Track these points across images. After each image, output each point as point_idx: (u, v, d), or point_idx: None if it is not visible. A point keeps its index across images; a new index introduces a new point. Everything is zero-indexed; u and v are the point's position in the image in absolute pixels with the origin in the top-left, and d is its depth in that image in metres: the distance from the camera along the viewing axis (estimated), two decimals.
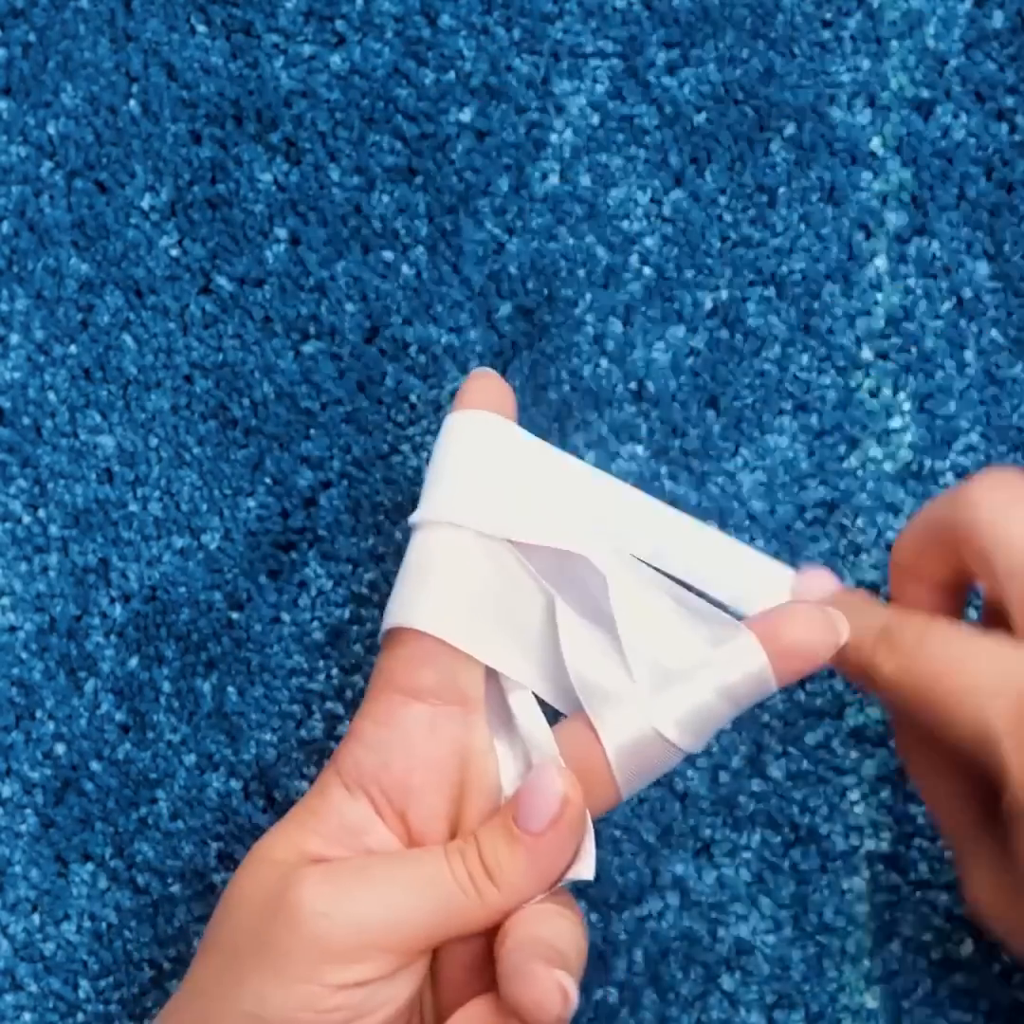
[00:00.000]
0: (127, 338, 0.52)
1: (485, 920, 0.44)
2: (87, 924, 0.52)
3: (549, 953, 0.43)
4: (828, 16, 0.51)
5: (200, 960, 0.45)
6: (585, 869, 0.44)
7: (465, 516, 0.45)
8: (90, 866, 0.52)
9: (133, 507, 0.52)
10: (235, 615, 0.52)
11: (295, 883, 0.43)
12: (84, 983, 0.52)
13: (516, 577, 0.46)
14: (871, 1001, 0.50)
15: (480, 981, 0.45)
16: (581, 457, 0.51)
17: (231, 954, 0.43)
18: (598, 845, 0.51)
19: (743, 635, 0.44)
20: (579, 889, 0.51)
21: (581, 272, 0.51)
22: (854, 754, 0.51)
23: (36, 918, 0.52)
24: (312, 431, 0.52)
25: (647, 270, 0.51)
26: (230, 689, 0.52)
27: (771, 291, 0.51)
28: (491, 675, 0.46)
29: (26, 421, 0.52)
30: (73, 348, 0.52)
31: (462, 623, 0.45)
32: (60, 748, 0.52)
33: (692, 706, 0.44)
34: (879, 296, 0.51)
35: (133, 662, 0.52)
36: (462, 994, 0.45)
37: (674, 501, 0.49)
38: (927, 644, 0.43)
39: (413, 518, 0.46)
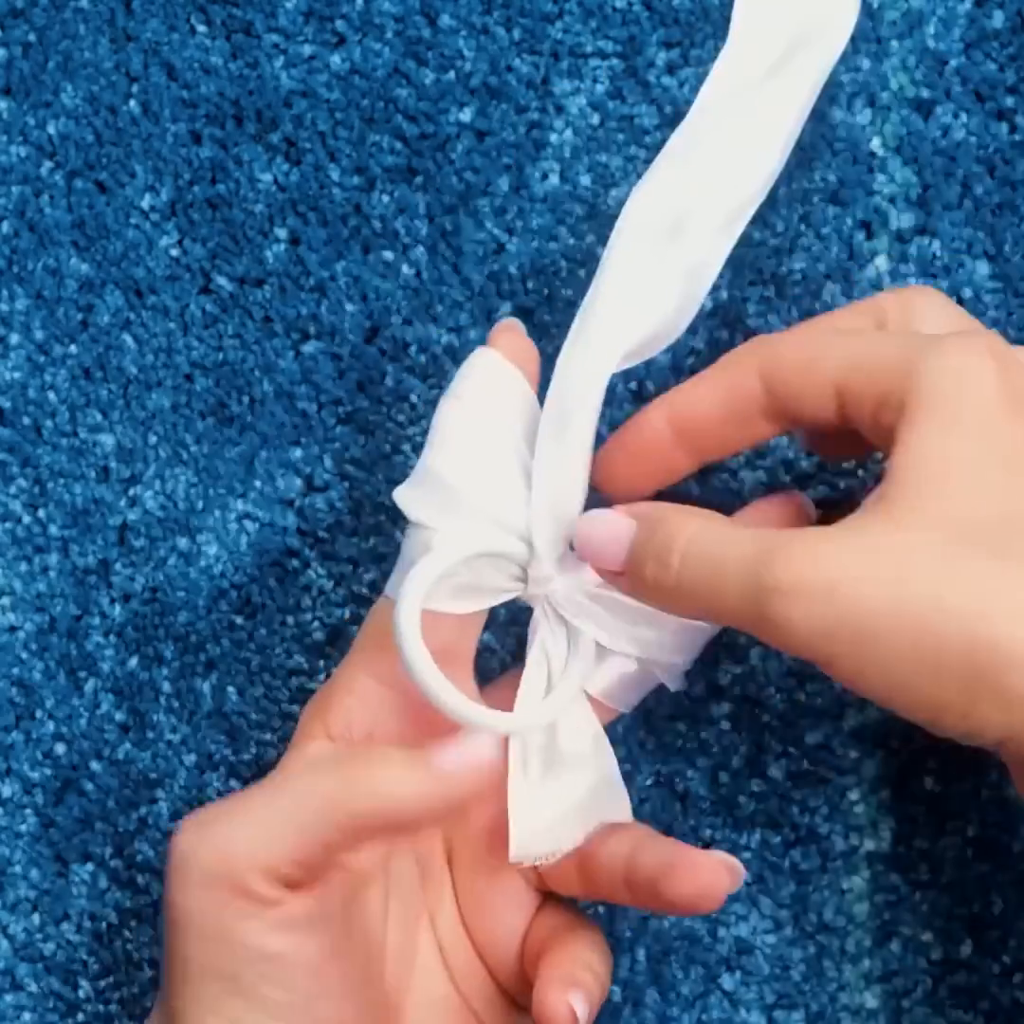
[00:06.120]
0: (127, 338, 0.52)
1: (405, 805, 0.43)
2: (87, 924, 0.52)
3: (577, 975, 0.43)
4: None
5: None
6: (622, 811, 0.44)
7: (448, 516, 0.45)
8: (90, 866, 0.52)
9: (133, 508, 0.52)
10: (236, 617, 0.52)
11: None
12: (84, 983, 0.52)
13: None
14: (871, 1001, 0.50)
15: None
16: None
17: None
18: None
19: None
20: None
21: (581, 272, 0.51)
22: (854, 754, 0.51)
23: (36, 918, 0.52)
24: (312, 431, 0.52)
25: None
26: (230, 689, 0.52)
27: (771, 291, 0.51)
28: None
29: (26, 421, 0.52)
30: (73, 348, 0.52)
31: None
32: (60, 748, 0.52)
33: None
34: None
35: (133, 662, 0.52)
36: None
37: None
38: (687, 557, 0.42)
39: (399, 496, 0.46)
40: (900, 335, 0.44)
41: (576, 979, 0.43)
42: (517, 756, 0.45)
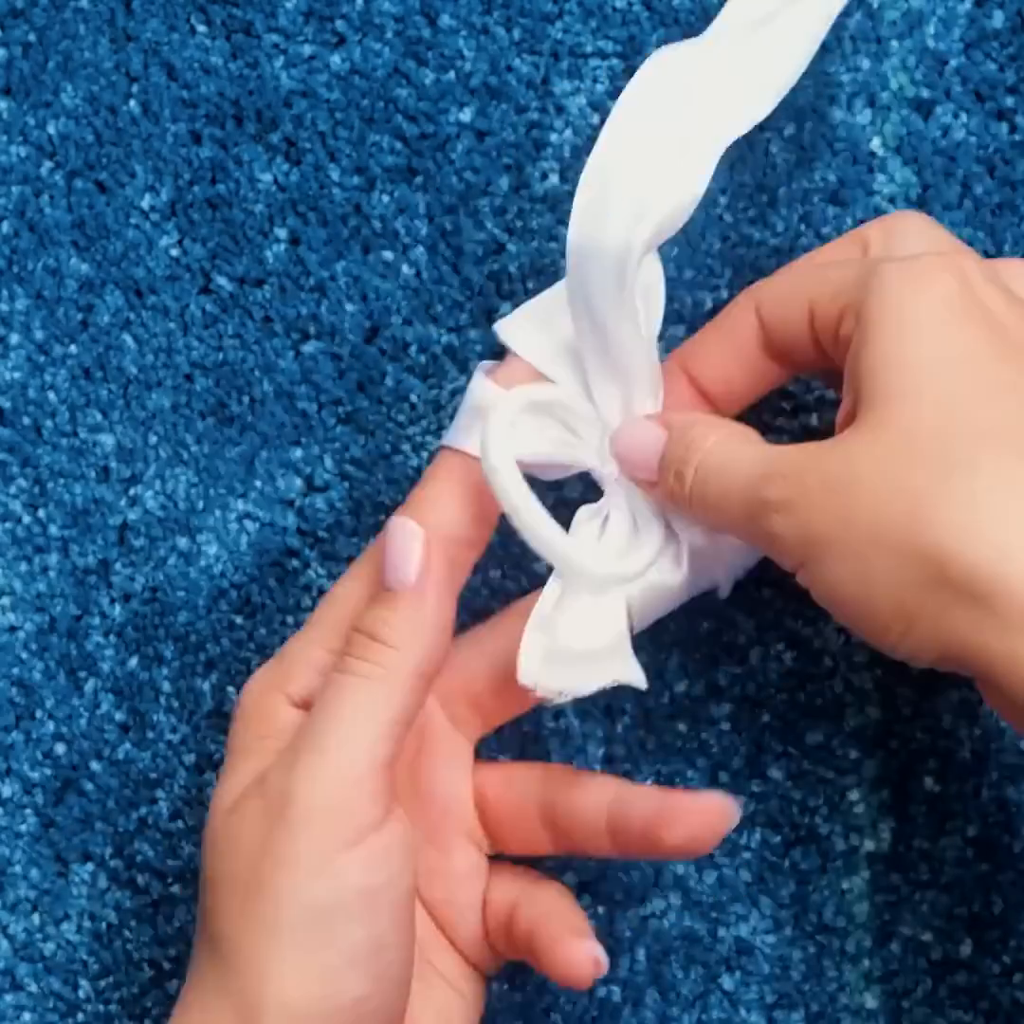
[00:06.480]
0: (127, 338, 0.52)
1: (404, 692, 0.43)
2: (87, 924, 0.52)
3: (576, 923, 0.45)
4: None
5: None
6: (634, 676, 0.44)
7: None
8: (90, 866, 0.52)
9: (133, 507, 0.52)
10: (236, 617, 0.52)
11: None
12: (84, 983, 0.52)
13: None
14: (871, 1001, 0.50)
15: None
16: None
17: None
18: None
19: None
20: (585, 885, 0.51)
21: None
22: (854, 754, 0.51)
23: (36, 918, 0.52)
24: (312, 431, 0.52)
25: None
26: (230, 689, 0.52)
27: None
28: None
29: (26, 421, 0.52)
30: (73, 348, 0.52)
31: None
32: (60, 748, 0.52)
33: None
34: None
35: (133, 662, 0.52)
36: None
37: None
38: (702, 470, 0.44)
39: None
40: (873, 259, 0.44)
41: (581, 929, 0.45)
42: (550, 589, 0.45)
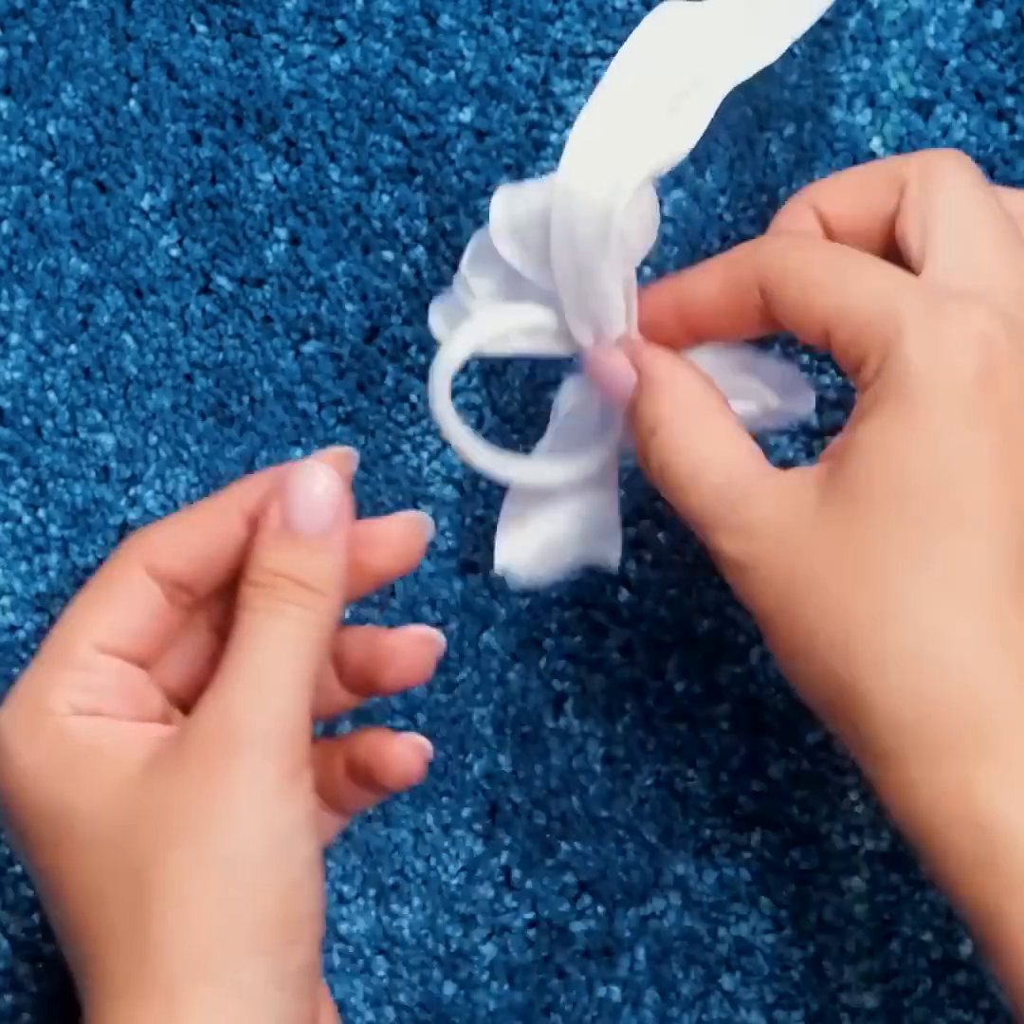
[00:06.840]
0: (127, 338, 0.52)
1: (328, 635, 0.44)
2: None
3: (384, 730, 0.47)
4: (828, 16, 0.51)
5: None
6: (611, 559, 0.47)
7: None
8: None
9: (133, 507, 0.52)
10: None
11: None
12: None
13: None
14: (871, 1001, 0.50)
15: None
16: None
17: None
18: (601, 844, 0.51)
19: None
20: (585, 885, 0.51)
21: None
22: None
23: (36, 918, 0.52)
24: (312, 431, 0.52)
25: (647, 270, 0.51)
26: None
27: None
28: None
29: (26, 421, 0.52)
30: (73, 348, 0.52)
31: None
32: None
33: None
34: None
35: None
36: None
37: None
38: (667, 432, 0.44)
39: None
40: (895, 286, 0.42)
41: (390, 732, 0.47)
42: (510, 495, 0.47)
